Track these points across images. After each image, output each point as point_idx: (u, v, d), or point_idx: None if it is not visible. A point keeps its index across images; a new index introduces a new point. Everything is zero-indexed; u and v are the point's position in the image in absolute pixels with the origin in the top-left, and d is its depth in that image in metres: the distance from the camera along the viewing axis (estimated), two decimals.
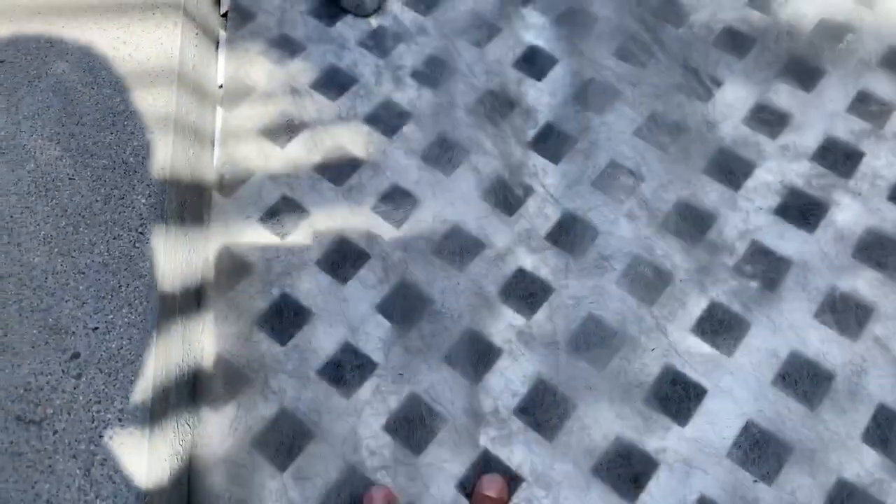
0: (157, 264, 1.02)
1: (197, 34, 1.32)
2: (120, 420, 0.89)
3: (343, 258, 1.21)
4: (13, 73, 1.17)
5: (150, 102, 1.16)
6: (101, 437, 0.88)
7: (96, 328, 0.96)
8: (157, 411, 0.93)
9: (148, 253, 1.02)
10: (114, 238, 1.03)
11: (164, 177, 1.09)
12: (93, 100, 1.16)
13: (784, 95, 1.36)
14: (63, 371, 0.92)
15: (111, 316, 0.96)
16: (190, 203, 1.18)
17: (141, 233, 1.03)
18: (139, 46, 1.21)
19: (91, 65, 1.19)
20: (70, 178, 1.07)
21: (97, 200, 1.06)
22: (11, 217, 1.04)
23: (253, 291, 1.17)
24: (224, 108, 1.37)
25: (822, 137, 1.31)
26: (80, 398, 0.90)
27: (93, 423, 0.89)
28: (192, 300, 1.13)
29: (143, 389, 0.91)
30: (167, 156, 1.11)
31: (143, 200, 1.06)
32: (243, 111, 1.36)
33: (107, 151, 1.10)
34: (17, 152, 1.09)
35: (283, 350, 1.12)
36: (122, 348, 0.94)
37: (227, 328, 1.14)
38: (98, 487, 0.84)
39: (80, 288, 0.99)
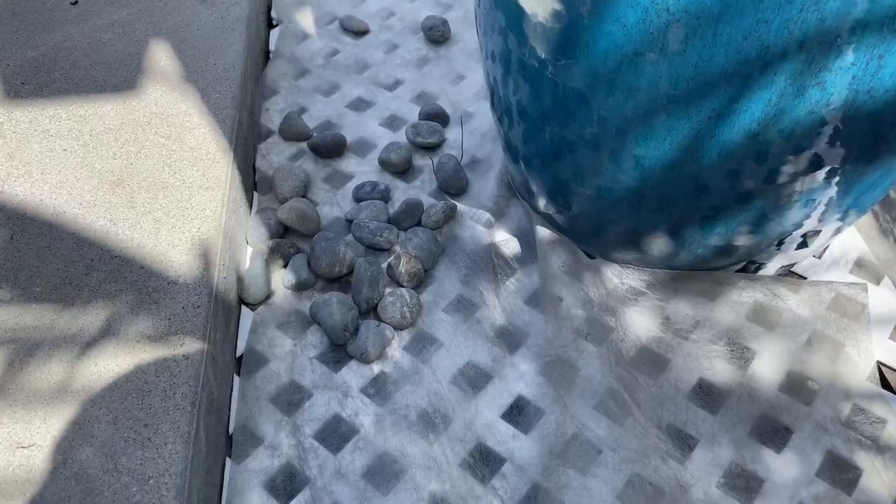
0: None
1: (217, 375, 1.44)
2: None
3: None
4: (40, 459, 1.28)
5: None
6: None
7: None
8: None
9: None
10: None
11: None
12: (111, 489, 1.26)
13: (753, 458, 1.46)
14: None
15: None
16: None
17: None
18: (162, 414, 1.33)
19: (112, 450, 1.30)
20: None
21: None
22: None
23: None
24: (233, 461, 1.47)
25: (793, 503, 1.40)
26: None
27: None
28: None
29: None
30: None
31: None
32: (250, 465, 1.46)
33: None
34: None
35: None
36: None
37: None
38: None
39: None
